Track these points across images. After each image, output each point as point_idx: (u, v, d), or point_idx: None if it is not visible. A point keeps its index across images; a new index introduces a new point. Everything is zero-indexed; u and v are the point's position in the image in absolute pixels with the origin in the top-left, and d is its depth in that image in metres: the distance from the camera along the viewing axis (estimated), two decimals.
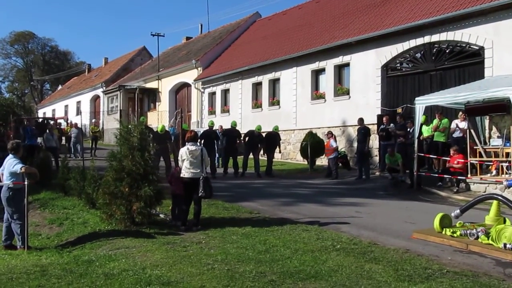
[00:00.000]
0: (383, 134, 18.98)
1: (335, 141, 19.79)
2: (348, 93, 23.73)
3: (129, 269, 7.22)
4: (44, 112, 63.53)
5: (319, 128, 23.62)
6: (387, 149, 18.05)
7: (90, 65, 68.54)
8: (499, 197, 10.40)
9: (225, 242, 8.86)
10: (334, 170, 19.09)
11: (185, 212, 10.36)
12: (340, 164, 20.52)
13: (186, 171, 10.26)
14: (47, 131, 22.83)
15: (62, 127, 32.60)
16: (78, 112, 50.88)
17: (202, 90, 35.99)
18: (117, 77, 52.04)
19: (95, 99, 53.07)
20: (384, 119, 19.44)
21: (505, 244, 8.11)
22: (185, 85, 38.99)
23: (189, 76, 37.42)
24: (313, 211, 12.25)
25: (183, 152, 10.38)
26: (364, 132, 18.96)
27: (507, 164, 14.51)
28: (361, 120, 19.41)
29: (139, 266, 7.37)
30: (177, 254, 8.05)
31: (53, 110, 61.49)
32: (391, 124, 18.93)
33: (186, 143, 10.56)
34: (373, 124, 20.77)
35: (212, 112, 34.92)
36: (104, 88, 49.75)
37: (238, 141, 21.10)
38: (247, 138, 20.93)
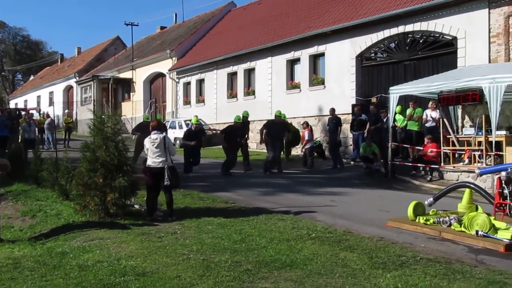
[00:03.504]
0: (354, 124, 19.15)
1: (311, 132, 19.86)
2: (323, 83, 23.81)
3: (104, 261, 7.15)
4: (16, 103, 62.52)
5: (294, 118, 23.64)
6: (359, 138, 18.25)
7: (62, 55, 67.40)
8: (472, 185, 10.58)
9: (201, 232, 8.84)
10: (309, 159, 19.15)
11: (149, 201, 10.32)
12: (316, 154, 20.58)
13: (150, 161, 10.20)
14: (26, 122, 22.31)
15: (35, 118, 32.11)
16: (51, 102, 50.26)
17: (177, 80, 35.77)
18: (90, 67, 51.39)
19: (68, 90, 52.36)
20: (355, 109, 19.57)
21: (477, 231, 8.24)
22: (159, 75, 38.71)
23: (164, 66, 37.14)
24: (288, 200, 12.29)
25: (146, 141, 10.31)
26: (335, 122, 19.09)
27: (479, 153, 14.71)
28: (332, 110, 19.49)
29: (113, 257, 7.31)
30: (152, 244, 8.00)
31: (25, 101, 60.52)
32: (363, 115, 19.07)
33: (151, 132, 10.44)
34: (348, 113, 20.90)
35: (187, 102, 34.76)
36: (77, 78, 49.08)
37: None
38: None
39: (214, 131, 29.98)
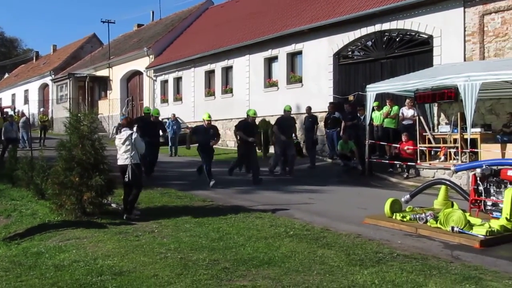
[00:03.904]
0: (328, 121, 19.28)
1: None
2: (300, 81, 23.86)
3: (80, 260, 7.09)
4: None
5: (272, 116, 23.59)
6: (334, 136, 18.39)
7: (38, 53, 66.49)
8: (447, 182, 10.70)
9: (178, 230, 8.82)
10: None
11: (124, 199, 10.26)
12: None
13: (118, 158, 10.15)
14: (8, 121, 21.90)
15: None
16: (26, 101, 49.57)
17: (154, 78, 35.56)
18: (66, 65, 50.80)
19: (44, 88, 51.71)
20: (329, 107, 19.69)
21: (452, 227, 8.34)
22: (136, 73, 38.40)
23: (141, 64, 36.87)
24: (266, 198, 12.31)
25: (116, 138, 10.27)
26: (312, 120, 19.13)
27: (454, 150, 14.88)
28: (309, 109, 19.56)
29: (90, 257, 7.25)
30: (130, 243, 7.96)
31: (0, 99, 59.66)
32: (336, 112, 19.22)
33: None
34: (325, 112, 20.94)
35: (164, 100, 34.56)
36: (53, 76, 48.48)
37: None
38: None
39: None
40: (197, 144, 15.08)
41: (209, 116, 14.84)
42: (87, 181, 9.85)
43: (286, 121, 16.78)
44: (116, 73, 40.15)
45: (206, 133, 14.64)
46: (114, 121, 35.17)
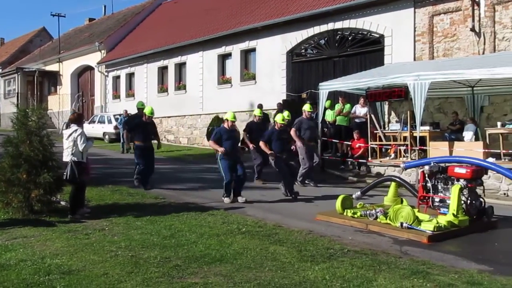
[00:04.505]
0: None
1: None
2: (254, 78, 23.91)
3: (27, 259, 6.90)
4: None
5: (225, 112, 23.53)
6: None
7: None
8: (397, 179, 10.91)
9: (129, 228, 8.69)
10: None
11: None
12: (247, 149, 20.66)
13: (63, 154, 9.92)
14: None
15: None
16: None
17: (106, 73, 35.01)
18: (14, 59, 49.56)
19: None
20: (277, 105, 19.86)
21: (401, 223, 8.50)
22: (88, 68, 37.75)
23: (92, 59, 36.24)
24: (219, 195, 12.24)
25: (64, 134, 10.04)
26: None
27: (404, 147, 15.17)
28: (260, 106, 19.61)
29: (38, 256, 7.06)
30: (79, 242, 7.80)
31: None
32: (284, 111, 19.34)
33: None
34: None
35: (116, 96, 34.09)
36: (0, 70, 47.18)
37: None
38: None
39: None
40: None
41: (234, 117, 12.11)
42: (35, 178, 9.60)
43: (306, 123, 14.28)
44: (67, 68, 39.37)
45: (232, 137, 12.18)
46: (64, 117, 34.47)
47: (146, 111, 13.49)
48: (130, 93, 32.73)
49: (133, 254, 7.04)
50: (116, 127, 26.26)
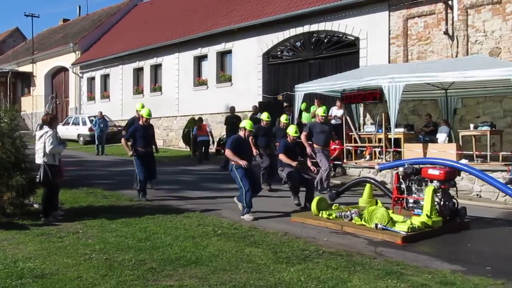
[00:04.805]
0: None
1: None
2: (230, 80, 23.91)
3: None
4: None
5: (201, 114, 23.56)
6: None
7: None
8: (372, 181, 11.02)
9: (104, 231, 8.61)
10: (198, 155, 19.67)
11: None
12: (223, 151, 20.66)
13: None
14: None
15: None
16: None
17: (81, 75, 34.70)
18: None
19: None
20: (252, 108, 19.99)
21: (376, 224, 8.57)
22: (62, 69, 37.36)
23: (67, 60, 35.88)
24: (195, 197, 12.24)
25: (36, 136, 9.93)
26: (235, 120, 18.99)
27: (379, 149, 15.30)
28: (232, 109, 19.59)
29: (10, 260, 6.95)
30: (52, 245, 7.70)
31: None
32: (258, 113, 19.45)
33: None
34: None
35: (91, 98, 33.81)
36: None
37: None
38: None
39: (119, 128, 29.37)
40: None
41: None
42: (7, 180, 9.45)
43: (320, 127, 13.36)
44: (40, 69, 38.91)
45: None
46: (37, 119, 34.02)
47: (144, 113, 12.12)
48: (105, 95, 32.47)
49: (108, 257, 6.98)
50: (91, 129, 25.99)
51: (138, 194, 11.92)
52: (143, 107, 12.86)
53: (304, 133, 13.19)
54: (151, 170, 12.20)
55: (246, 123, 10.66)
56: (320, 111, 13.63)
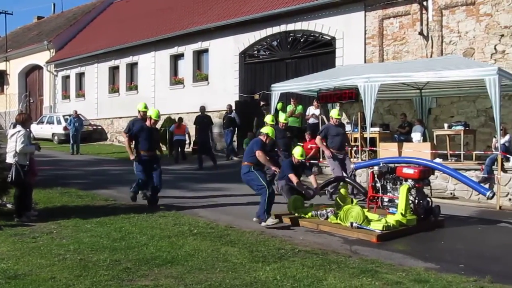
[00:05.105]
0: (224, 121, 19.86)
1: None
2: (207, 79, 23.85)
3: None
4: None
5: (178, 113, 23.46)
6: (229, 135, 19.48)
7: None
8: (347, 179, 11.06)
9: (78, 231, 8.52)
10: (175, 155, 19.62)
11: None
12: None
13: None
14: None
15: None
16: None
17: (55, 73, 34.26)
18: None
19: None
20: (226, 107, 20.12)
21: (351, 223, 8.63)
22: (36, 68, 36.82)
23: (41, 58, 35.38)
24: (171, 197, 12.17)
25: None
26: (206, 120, 18.97)
27: (355, 148, 15.39)
28: (202, 108, 19.52)
29: None
30: (26, 245, 7.59)
31: None
32: (233, 112, 19.80)
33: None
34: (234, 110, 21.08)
35: (66, 96, 33.41)
36: None
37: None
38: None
39: (94, 127, 29.14)
40: None
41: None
42: None
43: (334, 129, 12.63)
44: (14, 67, 38.33)
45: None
46: (11, 117, 33.54)
47: (152, 114, 10.99)
48: (80, 93, 32.12)
49: (82, 257, 6.90)
50: (65, 128, 25.70)
51: (131, 195, 11.00)
52: (146, 107, 11.67)
53: (319, 137, 12.63)
54: (156, 177, 10.94)
55: (268, 130, 9.99)
56: (334, 113, 12.79)
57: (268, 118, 11.77)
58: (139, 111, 11.62)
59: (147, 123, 11.02)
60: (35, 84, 37.00)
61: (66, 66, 33.03)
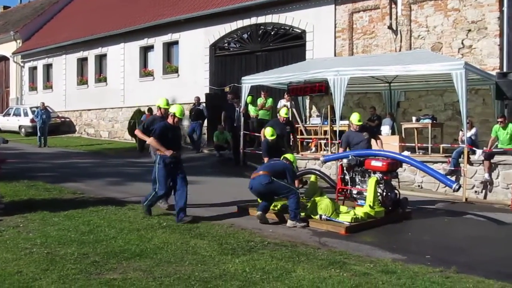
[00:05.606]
0: (191, 113, 19.83)
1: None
2: (177, 71, 23.69)
3: None
4: None
5: (147, 106, 23.27)
6: (196, 127, 19.46)
7: None
8: (317, 172, 11.14)
9: (46, 224, 8.41)
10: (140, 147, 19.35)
11: None
12: None
13: None
14: None
15: None
16: None
17: (22, 64, 33.65)
18: None
19: None
20: (194, 99, 20.04)
21: (320, 215, 8.70)
22: (2, 59, 36.05)
23: (7, 49, 34.67)
24: (140, 189, 12.03)
25: None
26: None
27: (325, 141, 15.50)
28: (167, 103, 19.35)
29: None
30: None
31: None
32: (201, 105, 19.80)
33: None
34: (203, 102, 20.99)
35: (33, 88, 32.83)
36: None
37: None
38: None
39: (62, 119, 28.74)
40: None
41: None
42: None
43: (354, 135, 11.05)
44: None
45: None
46: None
47: (177, 111, 9.24)
48: (48, 85, 31.59)
49: (49, 251, 6.83)
50: (32, 120, 25.27)
51: (146, 209, 9.28)
52: (168, 103, 10.26)
53: (341, 149, 11.11)
54: (181, 183, 9.19)
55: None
56: (354, 118, 10.83)
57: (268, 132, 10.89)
58: (159, 108, 10.26)
59: (169, 120, 9.36)
60: (1, 75, 36.28)
61: (33, 57, 32.45)
